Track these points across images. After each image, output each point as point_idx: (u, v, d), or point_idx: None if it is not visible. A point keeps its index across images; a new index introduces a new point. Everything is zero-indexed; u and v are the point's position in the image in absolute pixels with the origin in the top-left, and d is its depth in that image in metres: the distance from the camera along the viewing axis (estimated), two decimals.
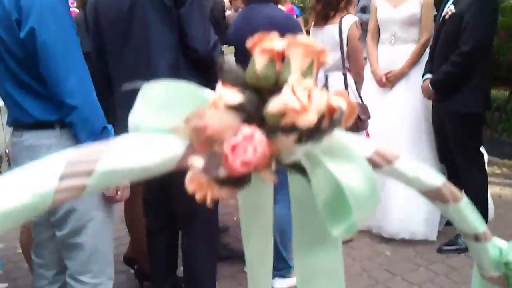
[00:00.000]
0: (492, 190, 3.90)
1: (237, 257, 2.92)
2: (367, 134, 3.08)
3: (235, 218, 3.70)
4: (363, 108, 2.93)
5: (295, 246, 0.38)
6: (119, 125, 1.96)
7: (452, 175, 3.17)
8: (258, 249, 0.41)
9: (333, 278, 0.37)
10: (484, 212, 2.99)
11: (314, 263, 0.37)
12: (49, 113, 1.56)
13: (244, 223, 0.40)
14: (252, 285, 0.43)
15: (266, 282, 0.43)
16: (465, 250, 2.92)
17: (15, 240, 3.43)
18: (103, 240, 1.72)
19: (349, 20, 2.92)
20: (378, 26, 3.26)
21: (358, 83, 2.99)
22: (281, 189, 2.47)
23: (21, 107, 1.58)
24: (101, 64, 1.97)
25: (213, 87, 0.33)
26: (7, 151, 2.06)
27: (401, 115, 3.11)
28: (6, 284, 2.81)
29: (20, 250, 3.15)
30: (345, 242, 3.06)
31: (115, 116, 1.85)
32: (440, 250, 2.95)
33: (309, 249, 0.37)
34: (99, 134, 1.55)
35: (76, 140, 1.56)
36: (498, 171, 4.43)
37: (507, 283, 0.44)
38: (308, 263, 0.38)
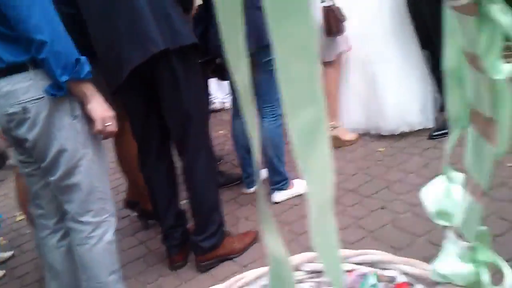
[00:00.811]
0: None
1: (235, 182, 3.03)
2: (346, 37, 3.10)
3: (227, 147, 3.78)
4: (338, 10, 2.94)
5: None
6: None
7: (436, 61, 3.23)
8: None
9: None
10: None
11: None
12: (20, 54, 1.56)
13: None
14: None
15: None
16: None
17: (13, 209, 3.51)
18: (98, 177, 1.77)
19: None
20: None
21: None
22: (266, 102, 2.54)
23: None
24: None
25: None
26: None
27: (379, 8, 3.12)
28: (11, 252, 2.91)
29: (19, 218, 3.25)
30: (339, 147, 3.16)
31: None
32: (431, 137, 3.06)
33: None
34: (74, 67, 1.56)
35: (51, 77, 1.56)
36: None
37: (478, 11, 0.45)
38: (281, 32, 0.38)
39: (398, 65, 3.14)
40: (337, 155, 3.07)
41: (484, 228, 0.55)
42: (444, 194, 0.56)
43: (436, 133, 3.06)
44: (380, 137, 3.18)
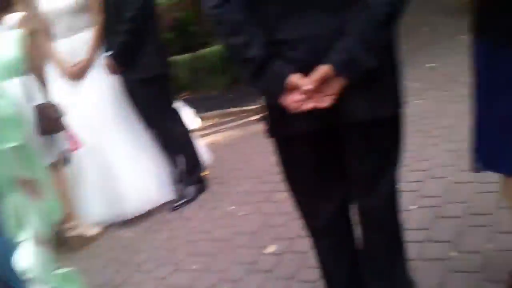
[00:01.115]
0: (208, 139, 4.50)
1: None
2: (71, 134, 3.08)
3: None
4: (52, 108, 2.91)
5: None
6: None
7: (162, 139, 3.51)
8: None
9: None
10: (195, 161, 3.41)
11: None
12: None
13: None
14: None
15: None
16: (193, 199, 3.31)
17: None
18: None
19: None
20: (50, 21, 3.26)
21: (43, 85, 2.95)
22: None
23: None
24: None
25: None
26: None
27: (99, 98, 3.28)
28: None
29: None
30: (85, 245, 3.10)
31: None
32: (173, 208, 3.26)
33: None
34: None
35: None
36: (209, 123, 5.07)
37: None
38: None
39: (129, 148, 3.31)
40: (83, 255, 2.97)
41: (67, 269, 0.65)
42: (27, 252, 0.64)
43: (177, 203, 3.28)
44: (127, 221, 3.23)
